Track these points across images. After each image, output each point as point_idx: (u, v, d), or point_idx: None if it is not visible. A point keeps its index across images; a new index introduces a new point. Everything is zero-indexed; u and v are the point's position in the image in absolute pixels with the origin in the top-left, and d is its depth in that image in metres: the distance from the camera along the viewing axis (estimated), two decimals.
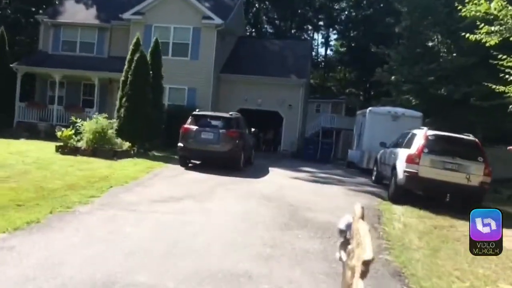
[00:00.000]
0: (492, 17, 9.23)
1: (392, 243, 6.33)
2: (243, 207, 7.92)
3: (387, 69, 24.95)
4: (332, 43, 52.02)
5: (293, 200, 8.86)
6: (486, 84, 11.42)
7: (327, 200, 9.47)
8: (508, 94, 10.49)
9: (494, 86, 10.66)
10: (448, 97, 20.08)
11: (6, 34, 21.03)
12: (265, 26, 49.09)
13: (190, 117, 13.24)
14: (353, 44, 45.42)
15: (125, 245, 5.06)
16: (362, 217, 1.99)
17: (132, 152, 14.15)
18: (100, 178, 9.36)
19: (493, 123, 19.06)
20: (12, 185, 7.72)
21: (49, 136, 16.49)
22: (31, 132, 19.32)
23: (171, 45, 21.08)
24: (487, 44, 9.53)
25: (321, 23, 49.22)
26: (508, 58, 9.58)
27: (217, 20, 21.07)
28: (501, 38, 9.42)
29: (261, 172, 13.39)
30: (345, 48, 48.22)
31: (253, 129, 20.05)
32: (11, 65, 20.94)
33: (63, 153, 13.19)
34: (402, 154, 10.50)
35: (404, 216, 8.39)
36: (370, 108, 18.47)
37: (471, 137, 10.42)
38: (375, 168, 14.01)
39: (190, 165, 13.15)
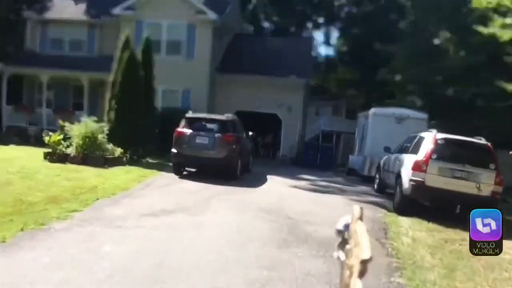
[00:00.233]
0: (505, 9, 8.66)
1: (402, 261, 5.77)
2: (239, 220, 7.33)
3: (390, 68, 24.10)
4: (332, 42, 51.29)
5: (292, 212, 8.29)
6: (496, 84, 10.86)
7: (328, 212, 8.87)
8: None
9: (504, 85, 10.09)
10: (455, 98, 19.43)
11: None
12: (263, 23, 47.96)
13: (183, 120, 12.63)
14: (354, 43, 44.39)
15: (102, 266, 4.48)
16: (361, 218, 2.02)
17: (124, 159, 13.48)
18: (87, 189, 8.74)
19: (501, 127, 18.47)
20: None
21: (40, 141, 15.74)
22: (21, 137, 18.61)
23: (165, 43, 20.14)
24: (501, 40, 8.94)
25: (321, 20, 48.23)
26: None
27: (212, 15, 20.09)
28: None
29: (259, 180, 12.79)
30: (345, 47, 47.23)
31: (250, 133, 19.27)
32: None
33: (51, 160, 12.45)
34: (408, 160, 9.85)
35: (412, 230, 7.82)
36: (373, 110, 17.23)
37: (483, 141, 9.71)
38: (377, 176, 13.34)
39: (184, 173, 12.57)
